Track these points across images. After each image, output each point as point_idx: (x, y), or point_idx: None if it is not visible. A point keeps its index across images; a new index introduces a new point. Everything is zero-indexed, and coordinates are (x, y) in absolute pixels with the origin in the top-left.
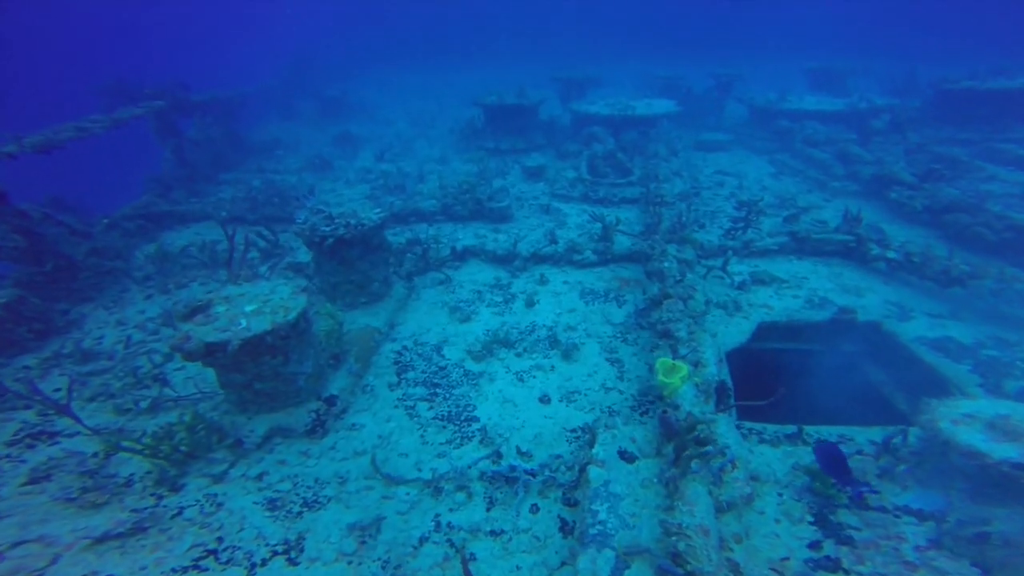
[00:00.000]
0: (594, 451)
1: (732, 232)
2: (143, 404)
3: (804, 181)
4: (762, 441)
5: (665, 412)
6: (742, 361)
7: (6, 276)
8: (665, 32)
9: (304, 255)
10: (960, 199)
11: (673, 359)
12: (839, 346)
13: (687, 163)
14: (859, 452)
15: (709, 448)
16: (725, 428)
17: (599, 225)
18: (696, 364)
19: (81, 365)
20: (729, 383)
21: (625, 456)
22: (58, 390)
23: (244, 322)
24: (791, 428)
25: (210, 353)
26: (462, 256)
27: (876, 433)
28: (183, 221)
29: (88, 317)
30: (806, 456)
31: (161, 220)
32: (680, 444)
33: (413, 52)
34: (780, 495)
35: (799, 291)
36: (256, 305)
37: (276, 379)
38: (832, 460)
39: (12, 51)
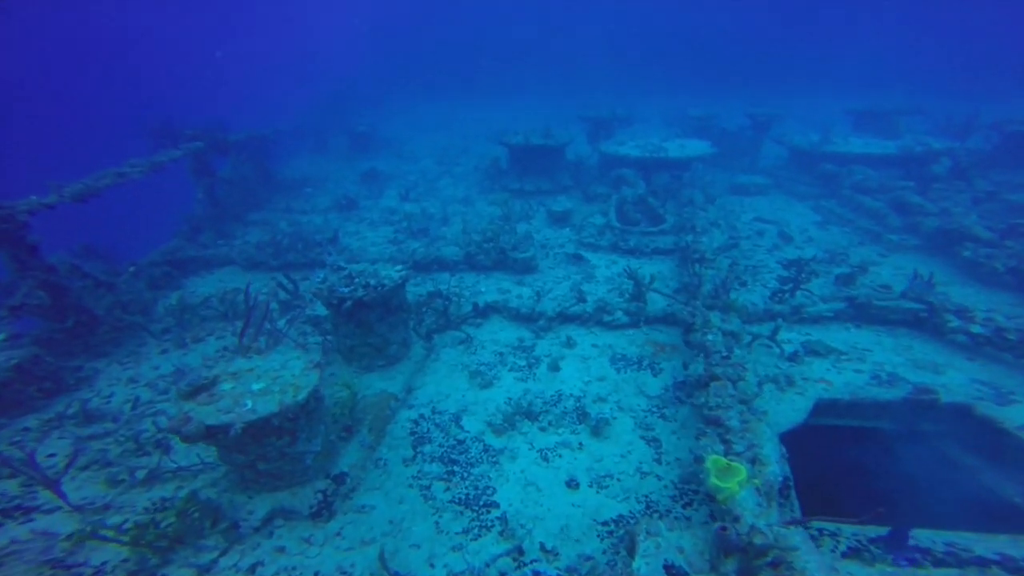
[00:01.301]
0: (635, 565)
1: (780, 295)
2: (139, 475)
3: (855, 232)
4: (847, 554)
5: (724, 529)
6: (798, 441)
7: (25, 333)
8: (695, 66)
9: (323, 307)
10: None
11: (725, 454)
12: (916, 426)
13: (723, 209)
14: None
15: None
16: (795, 539)
17: (630, 279)
18: (753, 461)
19: (83, 427)
20: (791, 479)
21: (673, 572)
22: (52, 455)
23: (250, 403)
24: (881, 529)
25: (210, 436)
26: (484, 313)
27: (1006, 544)
28: (208, 267)
29: (101, 373)
30: None
31: (187, 266)
32: (747, 570)
33: (443, 84)
34: None
35: (862, 365)
36: (264, 383)
37: (282, 459)
38: None
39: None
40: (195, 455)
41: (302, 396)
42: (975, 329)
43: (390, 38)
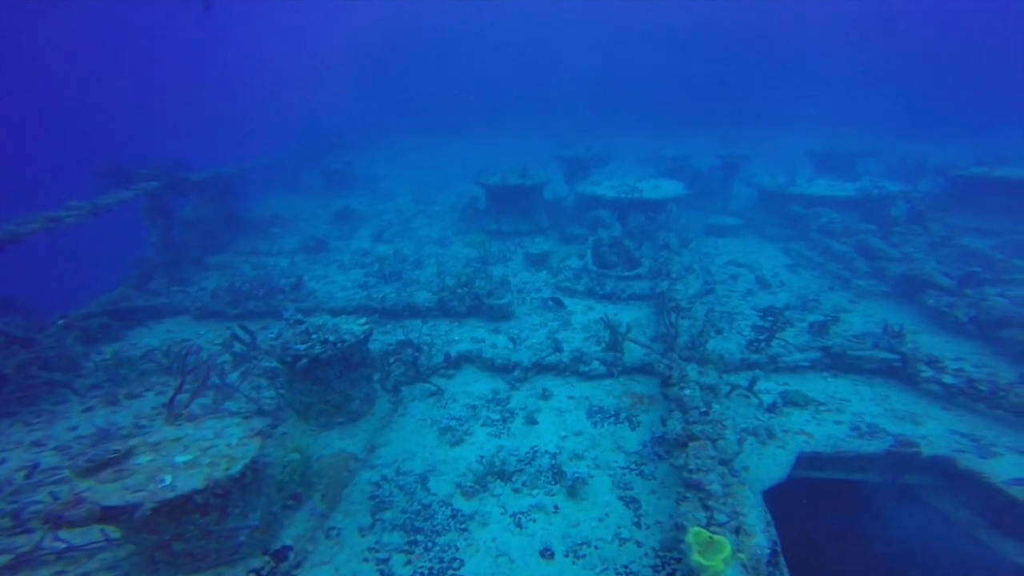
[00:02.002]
0: None
1: (756, 344)
2: (2, 559)
3: (824, 276)
4: None
5: None
6: (782, 495)
7: None
8: (667, 105)
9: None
10: (1014, 312)
11: (707, 523)
12: (900, 479)
13: (698, 252)
14: None
15: None
16: None
17: (607, 329)
18: (738, 531)
19: None
20: (779, 545)
21: None
22: None
23: (168, 478)
24: None
25: (108, 519)
26: (457, 363)
27: None
28: (157, 316)
29: None
30: None
31: (132, 316)
32: None
33: (424, 122)
34: None
35: (841, 416)
36: (192, 455)
37: (205, 538)
38: None
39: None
40: (96, 531)
41: (236, 469)
42: (947, 379)
43: (372, 76)
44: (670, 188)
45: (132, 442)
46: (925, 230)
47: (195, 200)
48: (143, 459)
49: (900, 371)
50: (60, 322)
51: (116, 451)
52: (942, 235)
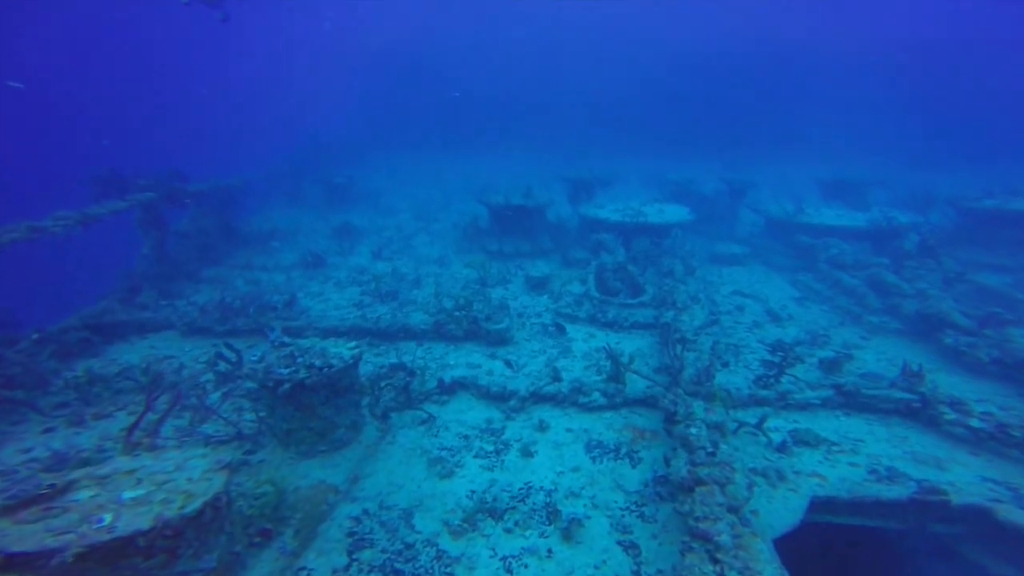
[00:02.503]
0: None
1: (765, 380)
2: None
3: (834, 311)
4: None
5: None
6: (795, 543)
7: None
8: (672, 128)
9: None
10: None
11: None
12: (926, 527)
13: (703, 281)
14: None
15: None
16: None
17: (608, 359)
18: None
19: None
20: None
21: None
22: None
23: (108, 518)
24: None
25: (14, 568)
26: (451, 389)
27: None
28: (141, 331)
29: None
30: None
31: (113, 331)
32: None
33: (428, 138)
34: None
35: (856, 457)
36: (144, 490)
37: None
38: None
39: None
40: None
41: (192, 507)
42: (974, 423)
43: (375, 90)
44: (675, 213)
45: (75, 474)
46: (938, 265)
47: (192, 211)
48: (83, 495)
49: (920, 412)
50: (34, 336)
51: (51, 485)
52: (956, 271)
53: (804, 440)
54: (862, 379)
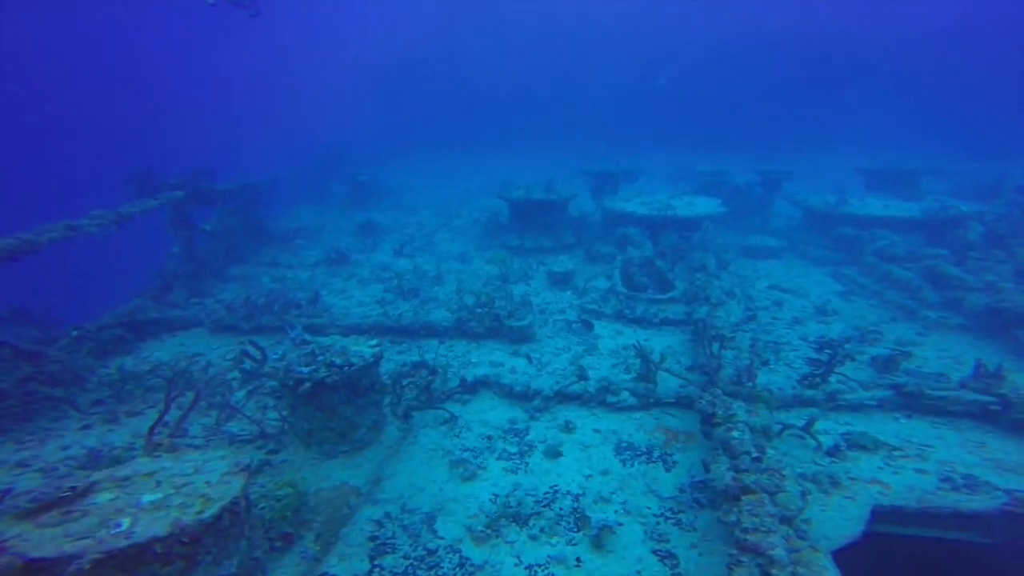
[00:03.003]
0: None
1: (811, 379)
2: None
3: (883, 305)
4: None
5: None
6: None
7: None
8: (699, 120)
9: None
10: None
11: None
12: (1019, 540)
13: (737, 276)
14: None
15: None
16: None
17: (638, 357)
18: None
19: None
20: None
21: None
22: None
23: (126, 523)
24: None
25: (33, 574)
26: (473, 388)
27: None
28: (171, 329)
29: None
30: None
31: (146, 328)
32: None
33: (450, 135)
34: None
35: (924, 464)
36: (163, 493)
37: None
38: None
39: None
40: None
41: (210, 512)
42: None
43: (398, 89)
44: (706, 205)
45: (97, 475)
46: (1010, 256)
47: (220, 210)
48: (104, 497)
49: (998, 415)
50: (73, 334)
51: (72, 488)
52: None
53: (860, 444)
54: (920, 378)
